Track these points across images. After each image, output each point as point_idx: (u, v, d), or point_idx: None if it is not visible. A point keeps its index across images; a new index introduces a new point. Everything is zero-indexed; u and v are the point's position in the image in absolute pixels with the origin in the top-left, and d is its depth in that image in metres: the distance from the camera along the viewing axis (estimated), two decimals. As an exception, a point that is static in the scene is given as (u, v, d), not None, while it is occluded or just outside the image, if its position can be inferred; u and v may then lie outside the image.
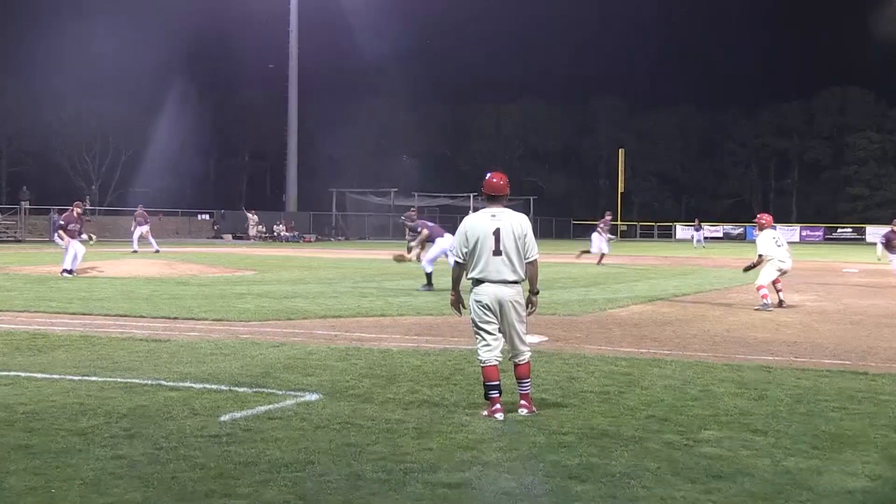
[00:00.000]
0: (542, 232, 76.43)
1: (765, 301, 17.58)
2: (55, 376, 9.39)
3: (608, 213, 37.11)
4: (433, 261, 20.85)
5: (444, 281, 18.57)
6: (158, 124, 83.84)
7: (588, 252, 34.66)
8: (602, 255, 33.93)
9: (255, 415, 7.76)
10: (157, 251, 37.55)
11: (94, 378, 9.30)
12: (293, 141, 75.43)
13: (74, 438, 6.94)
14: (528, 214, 7.92)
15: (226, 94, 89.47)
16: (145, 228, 39.67)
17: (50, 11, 76.56)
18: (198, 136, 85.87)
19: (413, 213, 23.23)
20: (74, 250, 24.77)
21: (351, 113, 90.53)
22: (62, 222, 25.69)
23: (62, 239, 25.12)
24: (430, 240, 21.19)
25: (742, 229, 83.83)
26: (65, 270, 24.27)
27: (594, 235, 34.94)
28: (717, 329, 14.39)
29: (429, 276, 20.46)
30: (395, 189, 73.69)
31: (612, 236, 36.56)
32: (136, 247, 38.57)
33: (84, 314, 15.28)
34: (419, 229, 21.49)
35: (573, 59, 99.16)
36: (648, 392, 8.93)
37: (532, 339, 9.32)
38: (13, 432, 7.10)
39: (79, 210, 26.48)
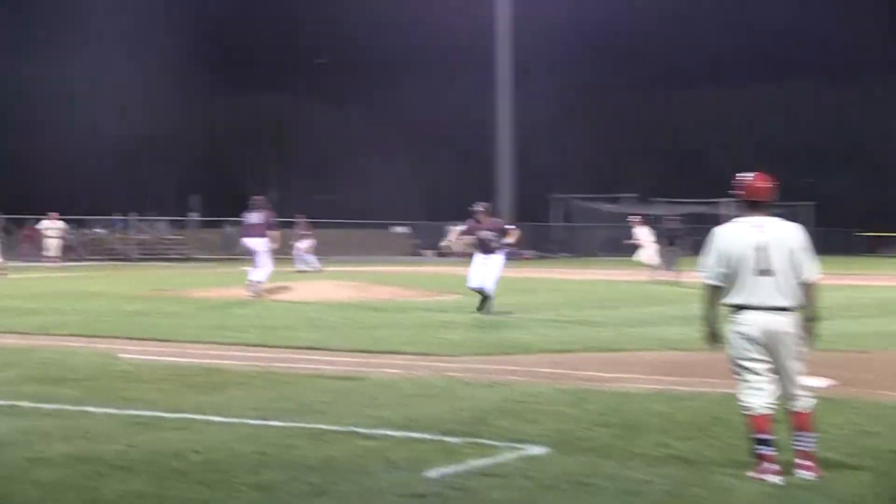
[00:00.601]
0: (820, 247, 74.22)
1: None
2: (232, 420, 9.75)
3: None
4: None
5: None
6: (343, 120, 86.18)
7: None
8: None
9: (467, 470, 7.83)
10: (311, 271, 38.83)
11: (276, 422, 9.60)
12: (506, 139, 75.96)
13: (255, 494, 7.18)
14: (799, 224, 7.71)
15: (429, 85, 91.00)
16: (307, 244, 41.01)
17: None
18: (389, 133, 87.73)
19: (487, 205, 22.82)
20: (270, 262, 25.89)
21: (575, 103, 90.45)
22: (272, 220, 26.72)
23: (269, 242, 26.13)
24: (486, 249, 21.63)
25: None
26: (253, 282, 25.44)
27: None
28: None
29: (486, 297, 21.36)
30: (635, 194, 73.09)
31: None
32: (315, 264, 39.93)
33: (264, 346, 15.85)
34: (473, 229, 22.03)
35: (851, 30, 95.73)
36: (971, 453, 8.51)
37: (812, 381, 9.04)
38: (187, 485, 7.41)
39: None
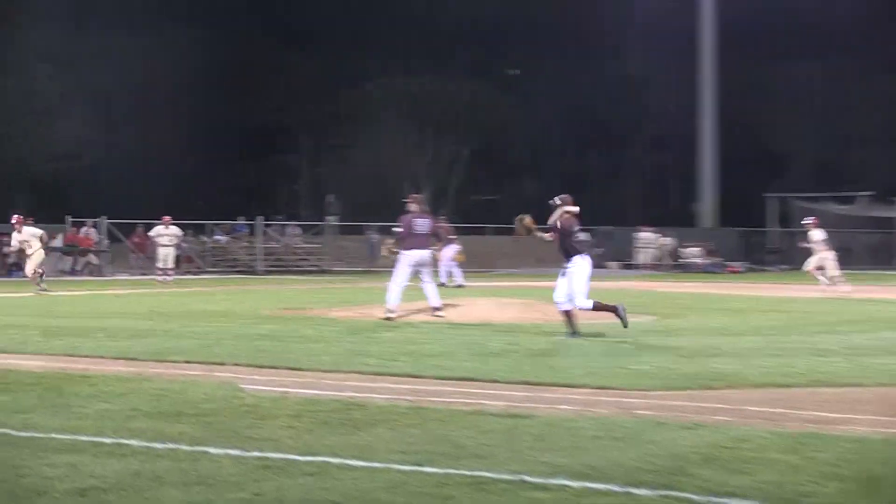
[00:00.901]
0: None
1: None
2: (376, 464, 9.81)
3: None
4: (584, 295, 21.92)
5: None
6: (511, 107, 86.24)
7: None
8: None
9: (661, 530, 7.77)
10: (446, 284, 39.02)
11: (428, 468, 9.64)
12: (708, 127, 75.34)
13: (405, 554, 7.23)
14: None
15: (604, 63, 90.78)
16: (452, 250, 41.09)
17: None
18: (565, 120, 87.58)
19: (566, 200, 22.56)
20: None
21: (793, 85, 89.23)
22: (441, 228, 27.34)
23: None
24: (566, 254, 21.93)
25: None
26: (436, 309, 26.38)
27: None
28: None
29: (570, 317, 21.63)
30: (871, 192, 71.71)
31: None
32: (458, 279, 40.14)
33: (414, 376, 15.93)
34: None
35: None
36: None
37: None
38: (325, 542, 7.50)
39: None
